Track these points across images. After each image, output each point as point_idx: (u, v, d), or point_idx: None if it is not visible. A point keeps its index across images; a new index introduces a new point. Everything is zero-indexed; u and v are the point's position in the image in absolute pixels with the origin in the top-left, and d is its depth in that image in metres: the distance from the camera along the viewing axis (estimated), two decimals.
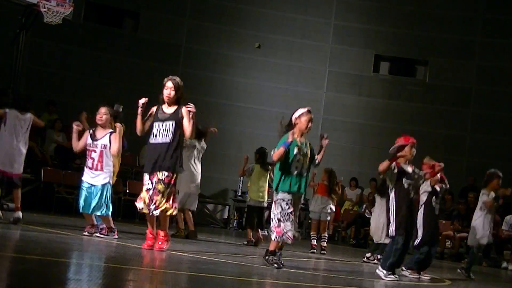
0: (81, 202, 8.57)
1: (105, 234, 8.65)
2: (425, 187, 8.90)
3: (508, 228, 14.70)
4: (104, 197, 8.57)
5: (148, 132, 7.83)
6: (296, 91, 18.79)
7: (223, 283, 6.15)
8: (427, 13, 19.83)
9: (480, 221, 9.79)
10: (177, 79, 7.87)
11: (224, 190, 18.58)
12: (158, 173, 7.62)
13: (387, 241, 9.58)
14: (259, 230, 11.45)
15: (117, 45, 18.24)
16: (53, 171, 14.49)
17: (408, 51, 19.89)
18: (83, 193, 8.55)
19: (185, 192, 11.01)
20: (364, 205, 17.61)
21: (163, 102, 7.82)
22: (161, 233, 7.79)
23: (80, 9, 17.09)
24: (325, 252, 11.45)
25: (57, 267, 5.79)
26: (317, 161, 7.81)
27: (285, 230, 7.46)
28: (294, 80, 19.41)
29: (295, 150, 7.53)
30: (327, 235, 11.98)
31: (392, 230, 7.84)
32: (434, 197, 8.93)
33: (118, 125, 8.94)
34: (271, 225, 7.62)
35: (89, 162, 8.56)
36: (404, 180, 7.88)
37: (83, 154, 9.02)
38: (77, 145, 8.64)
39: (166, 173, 7.61)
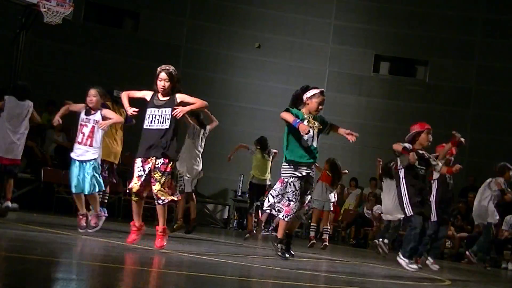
0: (73, 183, 8.54)
1: (96, 225, 8.61)
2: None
3: (508, 228, 14.69)
4: (94, 175, 8.55)
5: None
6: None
7: (223, 283, 6.15)
8: (427, 13, 19.83)
9: (491, 204, 9.95)
10: (171, 68, 7.70)
11: (224, 190, 18.59)
12: (153, 159, 7.46)
13: (400, 216, 10.08)
14: (259, 212, 11.66)
15: (117, 45, 18.25)
16: (53, 171, 14.49)
17: (408, 51, 19.90)
18: (74, 174, 8.53)
19: (191, 178, 11.16)
20: (364, 205, 17.64)
21: (158, 92, 7.67)
22: (160, 228, 7.63)
23: (80, 9, 17.09)
24: (327, 244, 11.31)
25: (57, 267, 5.79)
26: (329, 124, 7.65)
27: (293, 210, 7.37)
28: (294, 80, 19.38)
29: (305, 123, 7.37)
30: (329, 228, 11.79)
31: (407, 208, 7.80)
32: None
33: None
34: (280, 203, 7.47)
35: (79, 137, 8.58)
36: (416, 165, 7.90)
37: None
38: (61, 114, 8.69)
39: (162, 160, 7.45)
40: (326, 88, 20.25)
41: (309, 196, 7.66)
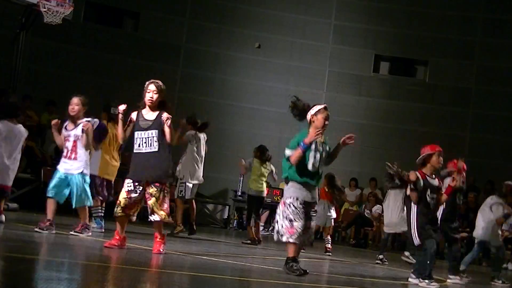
0: (51, 186, 8.52)
1: (80, 231, 8.57)
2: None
3: (508, 228, 14.69)
4: (83, 188, 8.52)
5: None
6: (296, 91, 18.62)
7: (223, 283, 6.15)
8: (427, 13, 19.82)
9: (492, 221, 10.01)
10: (160, 82, 7.61)
11: (224, 190, 18.57)
12: (147, 185, 7.37)
13: (403, 229, 10.19)
14: (258, 222, 11.80)
15: (117, 45, 18.24)
16: (53, 171, 14.41)
17: (408, 51, 19.89)
18: (55, 180, 8.53)
19: (194, 184, 11.24)
20: (364, 205, 17.64)
21: (144, 106, 7.53)
22: (158, 235, 7.58)
23: (80, 9, 17.07)
24: (330, 254, 11.46)
25: (57, 267, 5.79)
26: (329, 159, 7.43)
27: (298, 230, 7.02)
28: (294, 80, 19.40)
29: (312, 148, 7.17)
30: (330, 238, 11.99)
31: (415, 238, 7.74)
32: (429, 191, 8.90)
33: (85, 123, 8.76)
34: (281, 227, 7.11)
35: (64, 152, 8.58)
36: (428, 192, 7.85)
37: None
38: (60, 140, 8.63)
39: (158, 184, 7.37)
40: (326, 88, 20.33)
41: (313, 222, 7.34)
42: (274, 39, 19.37)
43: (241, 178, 16.35)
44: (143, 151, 7.41)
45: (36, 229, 8.37)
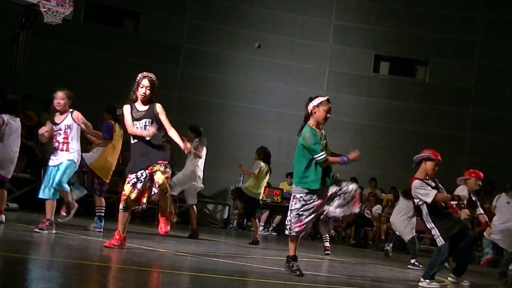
0: (42, 187, 8.52)
1: (44, 228, 8.40)
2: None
3: None
4: (65, 173, 8.44)
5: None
6: (296, 91, 18.78)
7: (223, 283, 6.16)
8: (427, 13, 19.83)
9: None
10: (153, 76, 7.59)
11: (224, 190, 18.57)
12: (151, 168, 7.38)
13: (409, 236, 10.79)
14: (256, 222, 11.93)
15: (117, 45, 18.23)
16: None
17: (408, 51, 19.89)
18: (46, 180, 8.52)
19: (192, 188, 11.29)
20: (364, 205, 17.63)
21: (135, 100, 7.54)
22: (165, 213, 7.59)
23: (80, 9, 17.07)
24: (329, 253, 11.43)
25: (57, 267, 5.79)
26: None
27: (308, 226, 6.99)
28: (294, 80, 19.41)
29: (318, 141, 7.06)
30: (328, 236, 11.95)
31: (439, 241, 7.69)
32: None
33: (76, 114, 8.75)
34: (290, 222, 7.03)
35: (55, 145, 8.56)
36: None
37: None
38: (44, 137, 8.61)
39: (160, 162, 7.39)
40: (326, 88, 20.33)
41: (335, 209, 7.09)
42: (274, 39, 19.37)
43: (241, 178, 16.34)
44: (140, 139, 7.44)
45: (36, 230, 8.37)
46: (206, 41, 18.91)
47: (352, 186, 7.15)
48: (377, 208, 16.93)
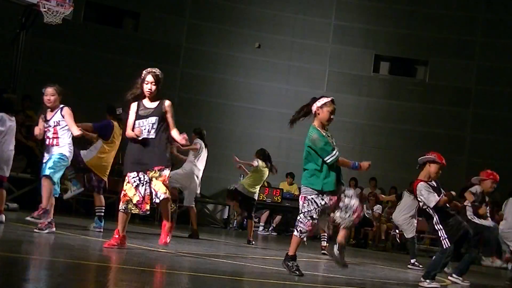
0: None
1: (44, 228, 8.37)
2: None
3: None
4: (55, 164, 8.37)
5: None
6: (296, 91, 18.78)
7: (223, 283, 6.15)
8: (427, 13, 19.83)
9: None
10: (157, 71, 7.54)
11: (224, 190, 18.55)
12: (148, 172, 7.31)
13: (410, 235, 10.97)
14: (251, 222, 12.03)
15: (117, 45, 18.23)
16: None
17: (408, 51, 19.89)
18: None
19: (191, 190, 11.33)
20: (364, 205, 17.63)
21: (140, 96, 7.48)
22: (167, 224, 7.50)
23: (80, 9, 17.08)
24: (325, 252, 11.43)
25: (57, 267, 5.79)
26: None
27: (314, 228, 7.02)
28: (294, 80, 19.41)
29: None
30: (326, 235, 11.95)
31: (445, 243, 7.68)
32: None
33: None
34: (301, 223, 7.01)
35: (46, 141, 8.55)
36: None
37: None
38: (39, 135, 8.59)
39: (156, 168, 7.31)
40: (326, 88, 20.32)
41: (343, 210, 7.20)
42: (274, 39, 19.37)
43: (241, 177, 16.33)
44: (139, 137, 7.35)
45: (36, 230, 8.37)
46: (206, 41, 18.91)
47: (354, 202, 7.25)
48: (377, 208, 16.93)
